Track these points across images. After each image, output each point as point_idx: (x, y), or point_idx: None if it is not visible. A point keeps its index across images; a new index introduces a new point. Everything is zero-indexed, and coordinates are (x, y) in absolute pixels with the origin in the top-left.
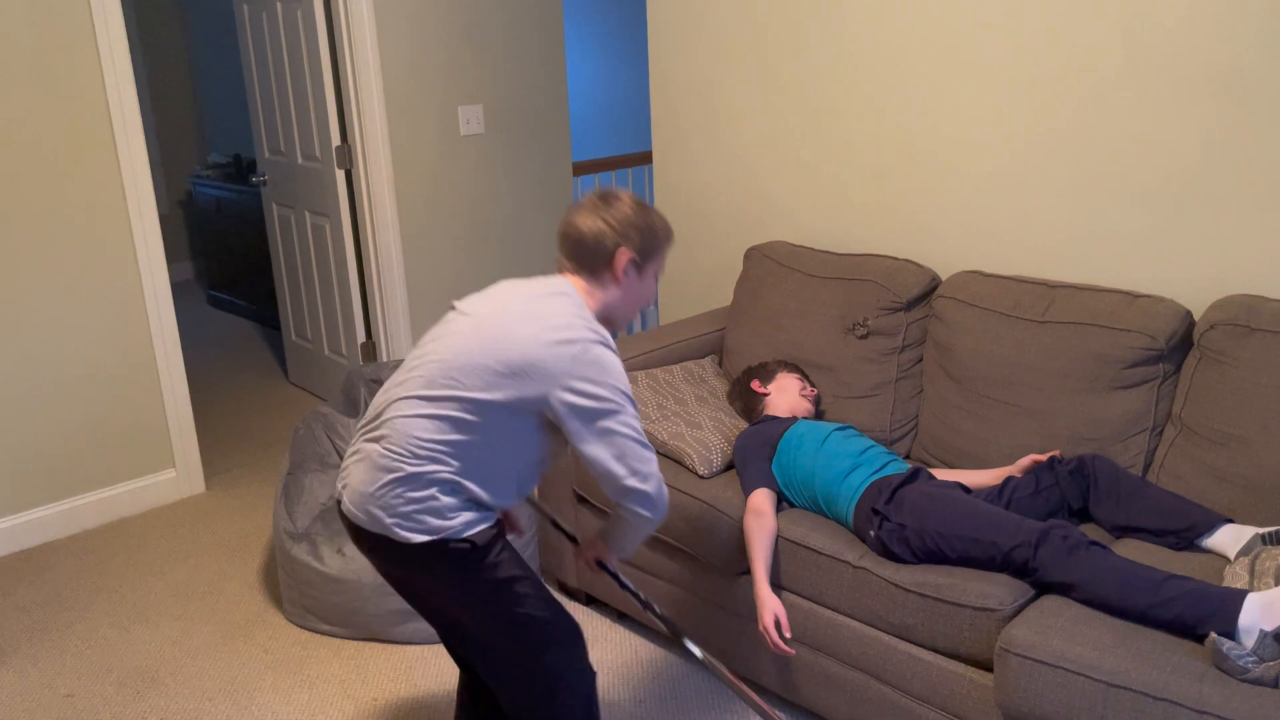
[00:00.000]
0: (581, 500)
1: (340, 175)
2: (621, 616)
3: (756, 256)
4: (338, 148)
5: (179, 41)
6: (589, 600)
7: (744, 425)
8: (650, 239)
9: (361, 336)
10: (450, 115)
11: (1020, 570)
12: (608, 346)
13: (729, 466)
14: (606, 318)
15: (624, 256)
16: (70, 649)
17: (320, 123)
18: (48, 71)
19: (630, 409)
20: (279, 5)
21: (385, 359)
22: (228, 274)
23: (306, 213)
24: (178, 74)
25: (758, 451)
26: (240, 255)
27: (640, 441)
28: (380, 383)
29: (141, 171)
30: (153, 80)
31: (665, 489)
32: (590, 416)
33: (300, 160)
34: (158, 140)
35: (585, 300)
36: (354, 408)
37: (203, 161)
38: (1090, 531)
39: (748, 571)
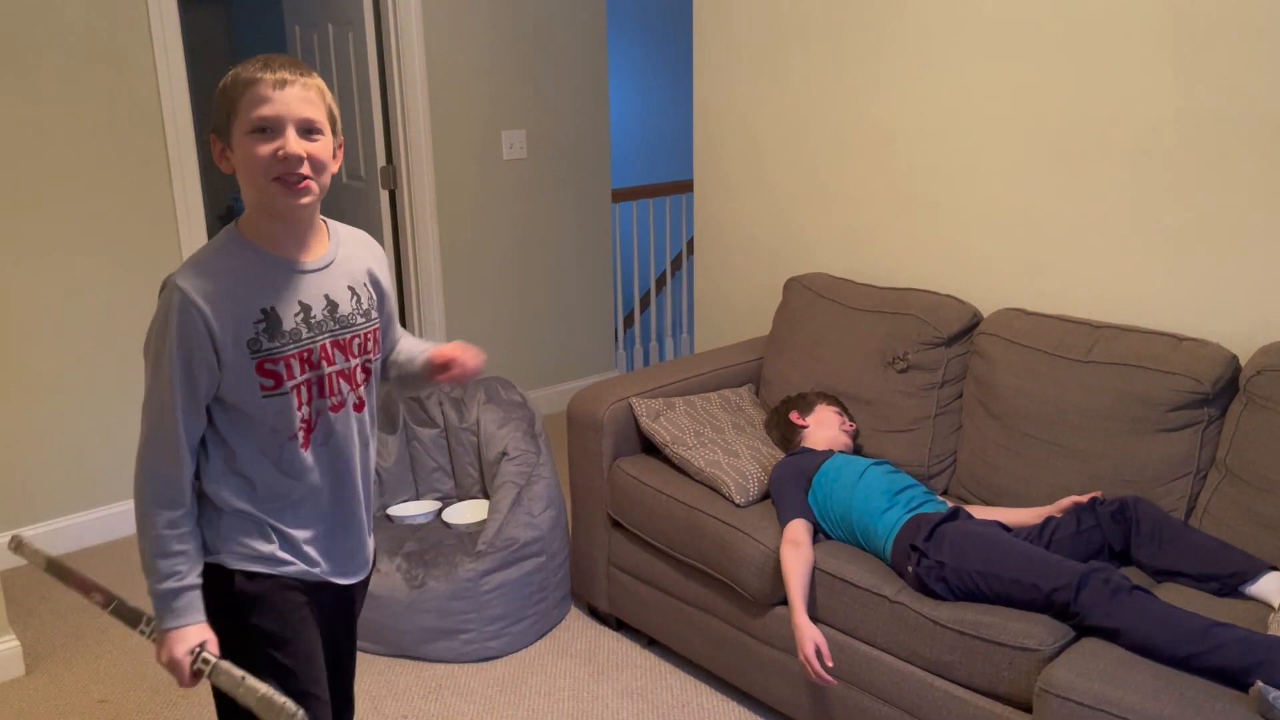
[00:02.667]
0: (616, 524)
1: (384, 195)
2: (652, 642)
3: (796, 287)
4: (383, 168)
5: (228, 61)
6: (619, 625)
7: (780, 455)
8: (220, 101)
9: None
10: (494, 139)
11: (1061, 613)
12: (175, 291)
13: (765, 496)
14: (257, 208)
15: (214, 145)
16: (105, 655)
17: (366, 143)
18: (107, 92)
19: (158, 378)
20: (330, 27)
21: None
22: None
23: None
24: None
25: (794, 482)
26: None
27: (149, 418)
28: (419, 401)
29: (192, 188)
30: (202, 98)
31: (147, 483)
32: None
33: (345, 179)
34: (203, 156)
35: (237, 222)
36: (393, 425)
37: None
38: (1131, 575)
39: (782, 602)
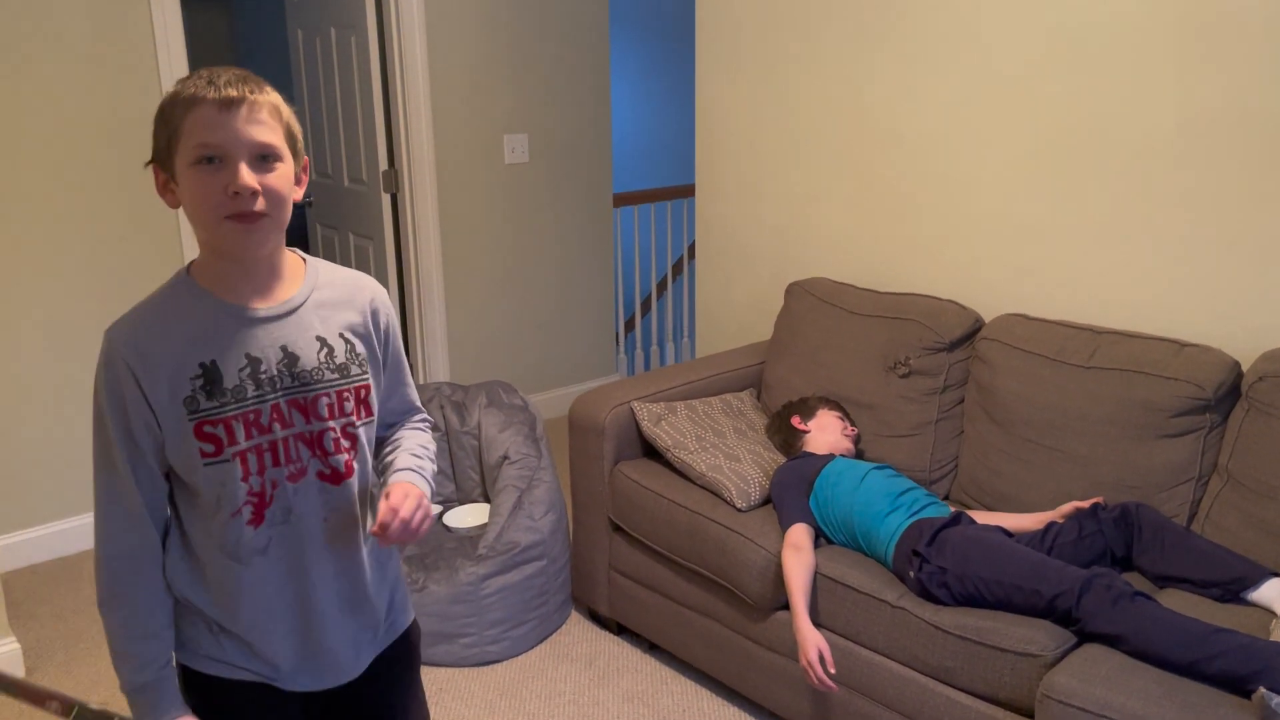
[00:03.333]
0: (617, 529)
1: (386, 199)
2: (653, 647)
3: (798, 292)
4: (385, 172)
5: (229, 64)
6: (620, 629)
7: (782, 460)
8: (160, 126)
9: None
10: (496, 143)
11: (1063, 618)
12: (105, 342)
13: (766, 501)
14: (208, 248)
15: (156, 176)
16: (106, 659)
17: (369, 147)
18: (108, 95)
19: (100, 438)
20: (333, 31)
21: (423, 382)
22: None
23: (350, 235)
24: None
25: (795, 487)
26: None
27: (98, 485)
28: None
29: None
30: None
31: (105, 564)
32: None
33: (347, 183)
34: None
35: (191, 264)
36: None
37: None
38: (1133, 581)
39: (784, 607)
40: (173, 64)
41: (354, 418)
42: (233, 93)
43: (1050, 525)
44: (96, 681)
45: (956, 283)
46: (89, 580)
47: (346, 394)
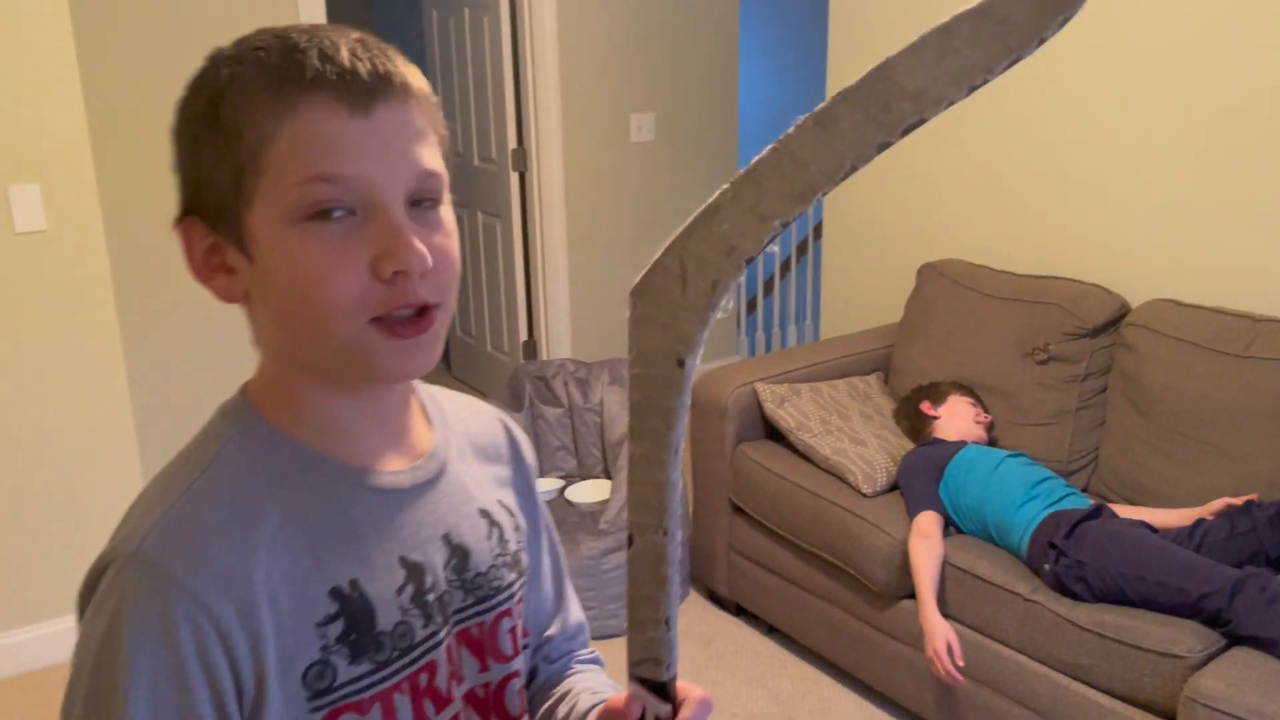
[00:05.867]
0: (738, 510)
1: (514, 177)
2: (771, 630)
3: (931, 274)
4: (514, 150)
5: None
6: (739, 610)
7: (910, 445)
8: (204, 144)
9: (524, 335)
10: (622, 122)
11: (1211, 619)
12: (147, 576)
13: (893, 487)
14: (304, 370)
15: (189, 240)
16: None
17: (499, 126)
18: None
19: None
20: (467, 11)
21: (545, 357)
22: None
23: (479, 213)
24: None
25: (925, 474)
26: None
27: None
28: (545, 380)
29: None
30: None
31: None
32: None
33: (476, 161)
34: None
35: (248, 392)
36: (518, 403)
37: None
38: None
39: (908, 595)
40: None
41: (516, 652)
42: (371, 70)
43: (1199, 522)
44: None
45: (1101, 266)
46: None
47: (520, 606)
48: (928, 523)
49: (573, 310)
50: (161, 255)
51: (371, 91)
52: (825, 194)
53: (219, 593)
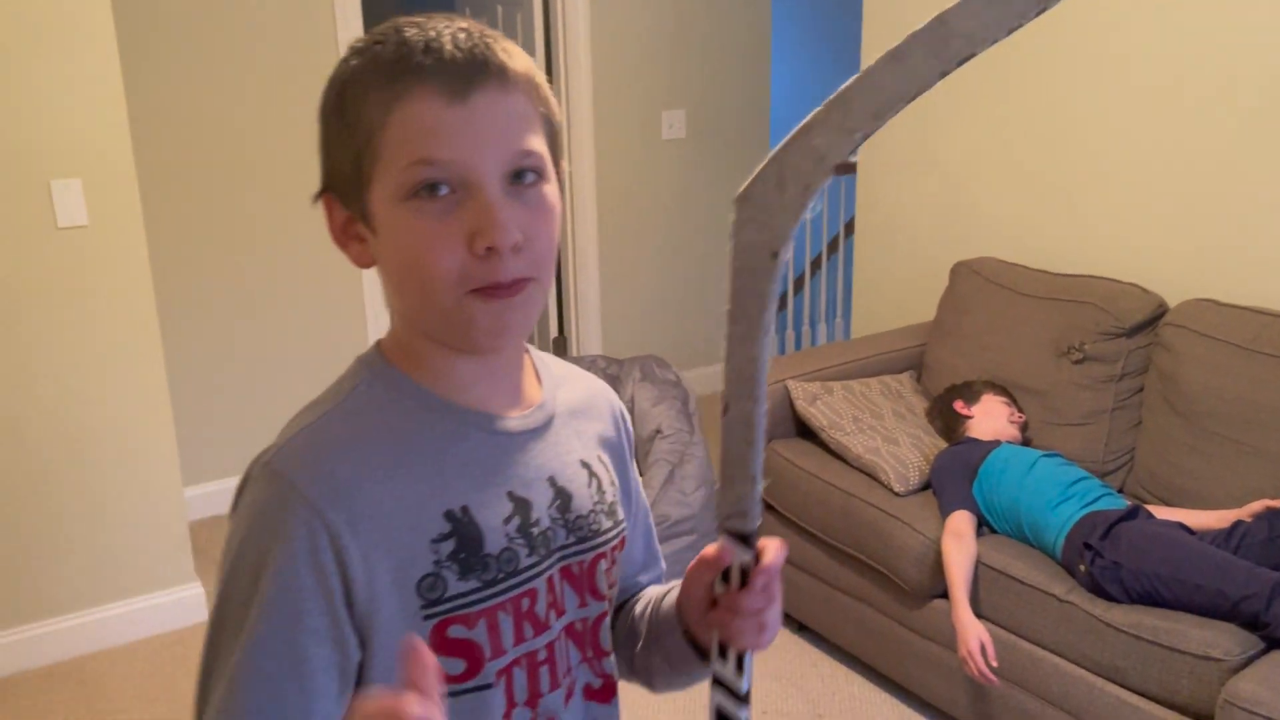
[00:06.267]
0: (769, 508)
1: None
2: (802, 628)
3: (964, 272)
4: None
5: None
6: None
7: (943, 444)
8: (335, 129)
9: (554, 332)
10: (654, 119)
11: (1250, 623)
12: (278, 485)
13: (926, 486)
14: (426, 331)
15: (331, 213)
16: None
17: None
18: (292, 74)
19: (239, 657)
20: (500, 9)
21: (576, 354)
22: None
23: None
24: None
25: (958, 473)
26: None
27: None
28: None
29: None
30: None
31: None
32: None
33: None
34: None
35: (381, 346)
36: None
37: None
38: None
39: (941, 595)
40: (351, 36)
41: (610, 593)
42: (467, 67)
43: (1237, 524)
44: None
45: (1137, 265)
46: None
47: (617, 553)
48: (961, 522)
49: (603, 307)
50: (200, 250)
51: (469, 79)
52: (897, 112)
53: (331, 503)
